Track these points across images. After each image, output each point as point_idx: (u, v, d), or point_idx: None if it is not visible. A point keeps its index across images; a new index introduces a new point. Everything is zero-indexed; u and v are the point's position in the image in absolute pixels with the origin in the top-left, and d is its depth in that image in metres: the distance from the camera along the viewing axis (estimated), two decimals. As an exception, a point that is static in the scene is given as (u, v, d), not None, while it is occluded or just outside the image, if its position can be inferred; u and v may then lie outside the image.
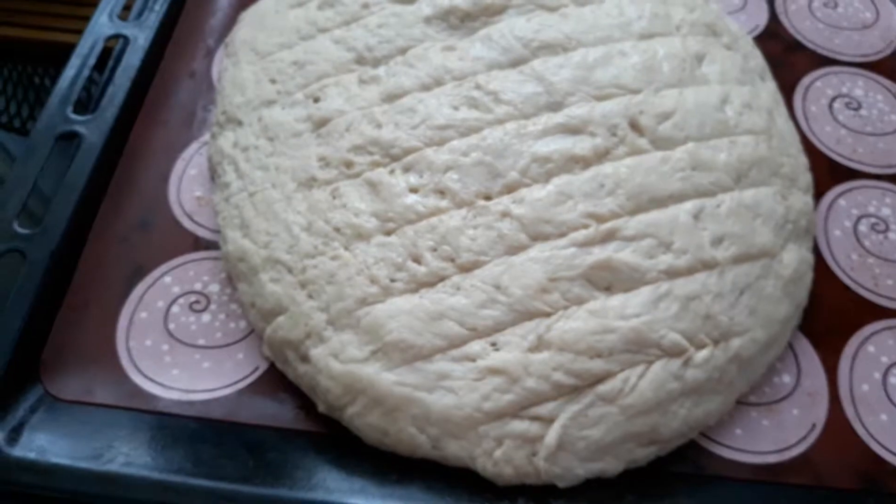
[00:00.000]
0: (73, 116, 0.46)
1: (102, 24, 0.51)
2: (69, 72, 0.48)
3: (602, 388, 0.36)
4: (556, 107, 0.44)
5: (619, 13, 0.49)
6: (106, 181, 0.46)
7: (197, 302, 0.42)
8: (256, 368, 0.40)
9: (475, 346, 0.37)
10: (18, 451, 0.36)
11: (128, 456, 0.37)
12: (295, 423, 0.38)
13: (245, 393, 0.39)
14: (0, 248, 0.42)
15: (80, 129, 0.46)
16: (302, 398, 0.39)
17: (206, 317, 0.42)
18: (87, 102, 0.48)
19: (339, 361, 0.37)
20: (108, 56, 0.50)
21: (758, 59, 0.51)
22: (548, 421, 0.36)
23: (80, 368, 0.40)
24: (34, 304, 0.40)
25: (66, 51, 0.64)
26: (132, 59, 0.50)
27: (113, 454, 0.37)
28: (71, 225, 0.43)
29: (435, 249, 0.39)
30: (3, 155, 0.69)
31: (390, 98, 0.45)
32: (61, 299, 0.42)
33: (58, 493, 0.36)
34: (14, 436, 0.37)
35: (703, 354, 0.38)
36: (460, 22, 0.48)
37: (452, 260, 0.39)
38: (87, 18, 0.65)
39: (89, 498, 0.36)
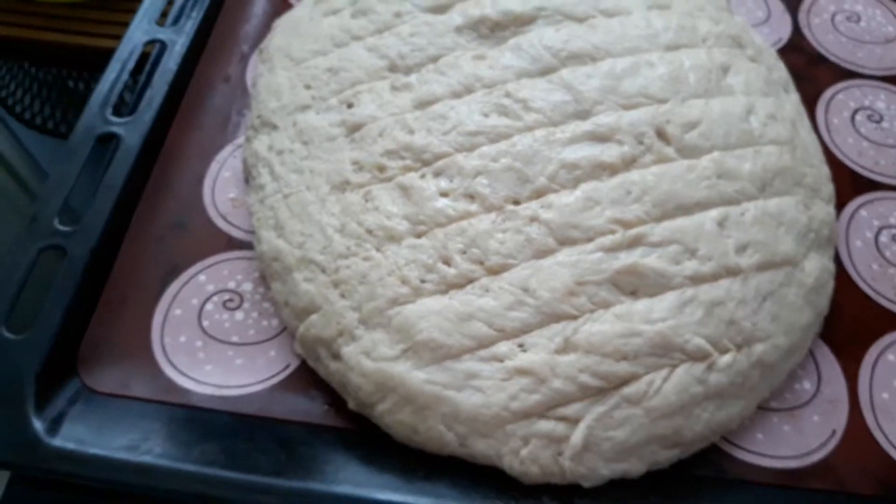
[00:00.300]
0: (113, 119, 0.48)
1: (141, 30, 0.53)
2: (109, 75, 0.50)
3: (627, 390, 0.37)
4: (584, 115, 0.45)
5: (646, 25, 0.50)
6: (143, 182, 0.47)
7: (230, 300, 0.43)
8: (288, 365, 0.41)
9: (503, 347, 0.38)
10: (58, 442, 0.37)
11: (163, 448, 0.38)
12: (325, 419, 0.39)
13: (277, 389, 0.40)
14: (41, 244, 0.43)
15: (119, 130, 0.47)
16: (332, 395, 0.40)
17: (239, 314, 0.43)
18: (125, 105, 0.49)
19: (371, 359, 0.38)
20: (146, 60, 0.52)
21: (781, 72, 0.52)
22: (573, 421, 0.36)
23: (116, 363, 0.41)
24: (73, 300, 0.42)
25: (100, 55, 0.66)
26: (169, 64, 0.51)
27: (149, 446, 0.38)
28: (110, 223, 0.44)
29: (464, 252, 0.40)
30: (25, 158, 0.70)
31: (422, 105, 0.46)
32: (99, 295, 0.43)
33: (95, 483, 0.37)
34: (54, 426, 0.38)
35: (726, 359, 0.39)
36: (490, 32, 0.49)
37: (481, 262, 0.40)
38: (120, 24, 0.67)
39: (126, 488, 0.37)
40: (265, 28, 0.55)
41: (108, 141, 0.47)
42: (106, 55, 0.62)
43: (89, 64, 0.67)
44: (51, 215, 0.44)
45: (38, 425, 0.38)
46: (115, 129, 0.47)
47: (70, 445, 0.37)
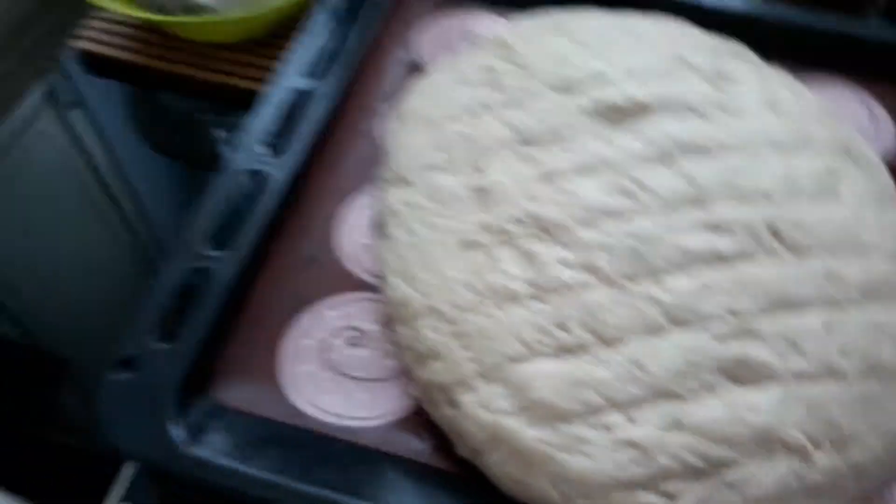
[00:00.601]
0: (263, 157, 0.52)
1: (290, 77, 0.58)
2: (262, 116, 0.55)
3: (728, 475, 0.39)
4: (701, 205, 0.47)
5: (762, 124, 0.52)
6: (284, 217, 0.51)
7: (355, 337, 0.47)
8: (405, 406, 0.44)
9: (612, 417, 0.40)
10: (197, 451, 0.41)
11: (284, 466, 0.41)
12: (435, 460, 0.42)
13: (393, 426, 0.43)
14: (190, 265, 0.48)
15: (268, 168, 0.52)
16: (443, 439, 0.42)
17: (362, 352, 0.46)
18: (270, 146, 0.54)
19: (486, 411, 0.41)
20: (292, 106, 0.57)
21: (889, 183, 0.54)
22: (674, 497, 0.38)
23: (247, 382, 0.45)
24: (215, 319, 0.46)
25: (238, 94, 0.72)
26: (314, 112, 0.56)
27: (272, 463, 0.41)
28: (252, 251, 0.48)
29: (580, 321, 0.43)
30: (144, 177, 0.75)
31: (547, 178, 0.49)
32: (236, 317, 0.47)
33: (223, 490, 0.40)
34: (194, 436, 0.42)
35: (823, 459, 0.40)
36: (615, 116, 0.52)
37: (596, 333, 0.42)
38: (258, 67, 0.73)
39: (249, 499, 0.40)
40: (401, 88, 0.59)
41: (256, 176, 0.52)
42: (243, 94, 0.69)
43: (227, 101, 0.72)
44: (200, 239, 0.49)
45: (176, 431, 0.41)
46: (264, 166, 0.52)
47: (206, 455, 0.41)
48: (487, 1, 0.67)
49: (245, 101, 0.57)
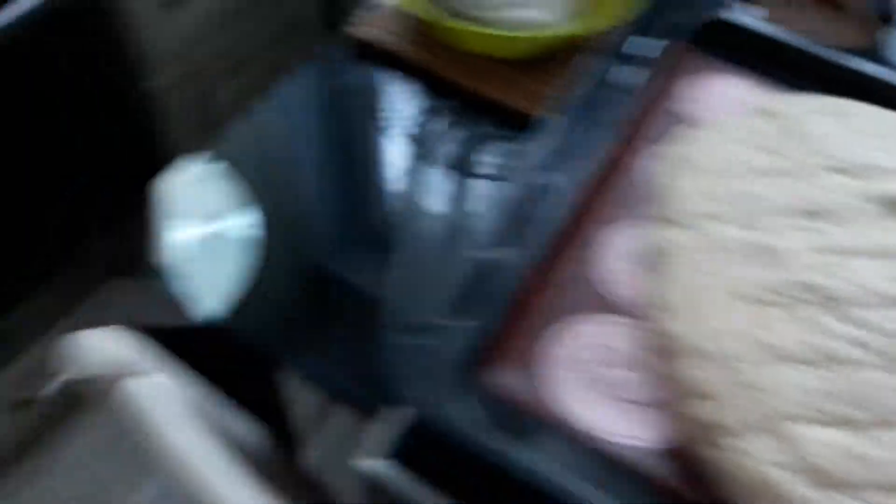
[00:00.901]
0: (546, 172, 0.56)
1: (573, 108, 0.62)
2: (550, 136, 0.59)
3: None
4: (984, 315, 0.47)
5: None
6: (556, 232, 0.55)
7: (610, 357, 0.49)
8: (660, 437, 0.46)
9: (886, 499, 0.40)
10: (464, 422, 0.45)
11: (540, 457, 0.44)
12: (683, 490, 0.44)
13: (649, 452, 0.45)
14: (475, 257, 0.52)
15: (551, 183, 0.56)
16: (693, 472, 0.44)
17: (623, 373, 0.49)
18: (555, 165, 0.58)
19: (755, 461, 0.42)
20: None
21: None
22: (939, 593, 0.38)
23: (509, 373, 0.48)
24: (496, 308, 0.50)
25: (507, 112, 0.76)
26: (591, 142, 0.59)
27: (534, 454, 0.44)
28: (532, 256, 0.52)
29: (858, 396, 0.44)
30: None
31: (826, 251, 0.50)
32: (509, 312, 0.51)
33: (480, 464, 0.44)
34: (462, 408, 0.45)
35: None
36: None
37: (873, 412, 0.43)
38: (527, 88, 0.77)
39: (503, 477, 0.43)
40: (665, 135, 0.62)
41: (540, 190, 0.56)
42: (512, 114, 0.73)
43: (484, 114, 0.77)
44: (489, 236, 0.53)
45: (451, 400, 0.45)
46: (551, 179, 0.56)
47: (469, 427, 0.44)
48: (758, 72, 0.69)
49: (499, 116, 0.61)
